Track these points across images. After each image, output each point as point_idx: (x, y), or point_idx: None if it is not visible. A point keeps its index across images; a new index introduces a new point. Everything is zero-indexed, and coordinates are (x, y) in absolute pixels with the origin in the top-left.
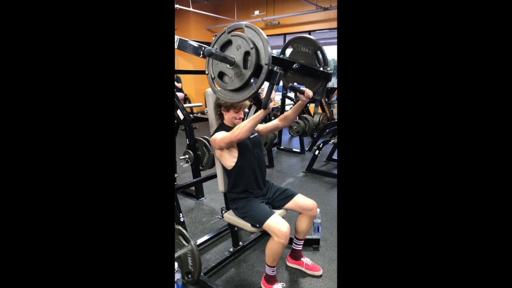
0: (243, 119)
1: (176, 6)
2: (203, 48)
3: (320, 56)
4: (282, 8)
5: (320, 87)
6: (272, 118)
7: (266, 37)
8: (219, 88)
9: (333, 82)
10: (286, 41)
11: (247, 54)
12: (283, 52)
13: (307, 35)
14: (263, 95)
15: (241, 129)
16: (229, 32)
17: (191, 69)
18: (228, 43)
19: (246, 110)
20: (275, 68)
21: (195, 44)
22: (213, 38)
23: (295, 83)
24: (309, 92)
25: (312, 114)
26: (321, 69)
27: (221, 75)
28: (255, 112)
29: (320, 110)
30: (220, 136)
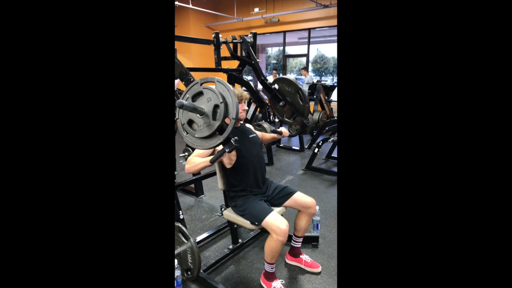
0: (246, 118)
1: (176, 3)
2: (187, 77)
3: (301, 94)
4: (282, 6)
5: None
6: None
7: (235, 93)
8: (187, 134)
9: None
10: (286, 39)
11: (216, 106)
12: (273, 84)
13: (289, 77)
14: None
15: (192, 166)
16: (201, 84)
17: (190, 67)
18: (200, 93)
19: (246, 107)
20: (232, 140)
21: (184, 69)
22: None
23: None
24: (285, 134)
25: (312, 112)
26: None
27: (190, 122)
28: (255, 109)
29: (319, 108)
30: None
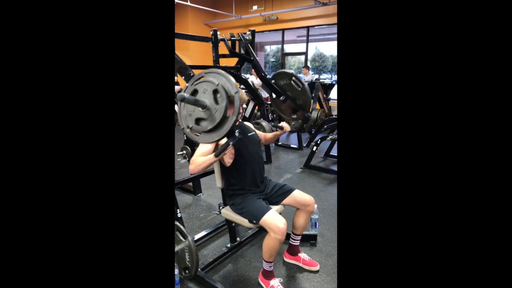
0: (242, 115)
1: (174, 0)
2: (186, 72)
3: (296, 80)
4: (281, 3)
5: (298, 120)
6: (271, 115)
7: (227, 74)
8: (199, 135)
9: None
10: (285, 37)
11: (215, 92)
12: (272, 79)
13: (280, 70)
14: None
15: (196, 166)
16: (192, 84)
17: (189, 64)
18: (194, 92)
19: (245, 106)
20: (236, 133)
21: (183, 64)
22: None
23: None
24: (287, 129)
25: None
26: (301, 100)
27: (197, 121)
28: (253, 107)
29: (318, 106)
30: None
